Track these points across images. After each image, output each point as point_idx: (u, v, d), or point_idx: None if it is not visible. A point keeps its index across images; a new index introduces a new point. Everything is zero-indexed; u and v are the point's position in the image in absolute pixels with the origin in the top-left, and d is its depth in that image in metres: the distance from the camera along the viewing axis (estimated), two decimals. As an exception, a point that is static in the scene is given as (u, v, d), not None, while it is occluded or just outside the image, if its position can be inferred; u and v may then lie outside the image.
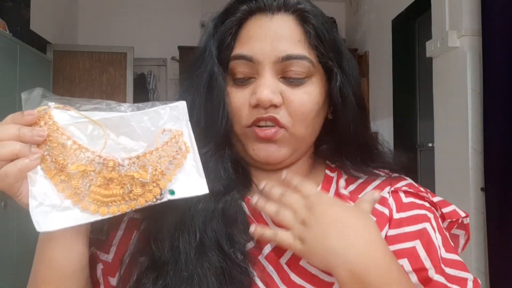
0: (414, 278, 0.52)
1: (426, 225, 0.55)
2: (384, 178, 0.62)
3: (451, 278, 0.53)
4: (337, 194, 0.60)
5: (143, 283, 0.50)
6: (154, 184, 0.47)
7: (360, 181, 0.62)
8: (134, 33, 3.80)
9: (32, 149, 0.44)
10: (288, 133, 0.56)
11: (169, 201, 0.48)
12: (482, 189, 1.85)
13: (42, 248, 0.49)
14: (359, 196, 0.59)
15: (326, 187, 0.61)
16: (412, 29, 2.89)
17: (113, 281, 0.55)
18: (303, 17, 0.57)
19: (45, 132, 0.44)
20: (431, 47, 2.16)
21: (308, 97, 0.56)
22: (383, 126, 3.12)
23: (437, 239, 0.55)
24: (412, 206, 0.58)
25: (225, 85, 0.57)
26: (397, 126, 2.91)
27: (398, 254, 0.53)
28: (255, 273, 0.52)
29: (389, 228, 0.56)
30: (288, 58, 0.55)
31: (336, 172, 0.63)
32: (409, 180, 0.63)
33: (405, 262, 0.53)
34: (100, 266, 0.56)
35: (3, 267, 2.28)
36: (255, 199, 0.53)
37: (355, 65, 0.61)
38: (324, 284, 0.53)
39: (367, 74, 3.40)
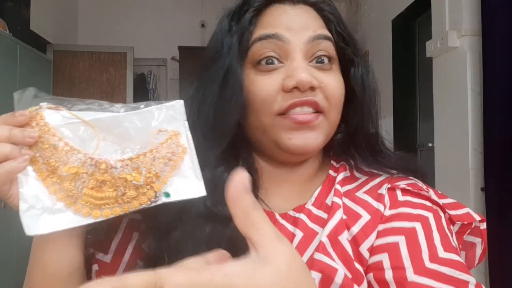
0: (389, 275, 0.49)
1: (417, 224, 0.52)
2: (384, 177, 0.60)
3: (445, 278, 0.48)
4: (336, 194, 0.59)
5: None
6: (149, 187, 0.45)
7: (359, 181, 0.60)
8: (134, 33, 3.80)
9: (22, 151, 0.43)
10: (325, 119, 0.54)
11: (174, 215, 0.47)
12: (482, 189, 1.85)
13: (36, 251, 0.48)
14: (356, 194, 0.58)
15: (326, 188, 0.60)
16: (412, 29, 2.89)
17: None
18: (322, 8, 0.58)
19: (36, 133, 0.43)
20: (431, 47, 2.16)
21: (338, 81, 0.56)
22: (383, 126, 3.11)
23: (434, 238, 0.52)
24: (406, 204, 0.55)
25: (242, 76, 0.54)
26: (397, 126, 2.91)
27: (380, 249, 0.51)
28: None
29: (380, 223, 0.54)
30: (318, 37, 0.54)
31: (338, 172, 0.62)
32: (413, 180, 0.61)
33: (384, 257, 0.50)
34: (95, 268, 0.55)
35: (3, 267, 2.28)
36: None
37: (367, 61, 0.62)
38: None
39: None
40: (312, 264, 0.52)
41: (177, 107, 0.46)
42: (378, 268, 0.50)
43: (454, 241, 0.54)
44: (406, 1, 2.71)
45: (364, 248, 0.52)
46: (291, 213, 0.57)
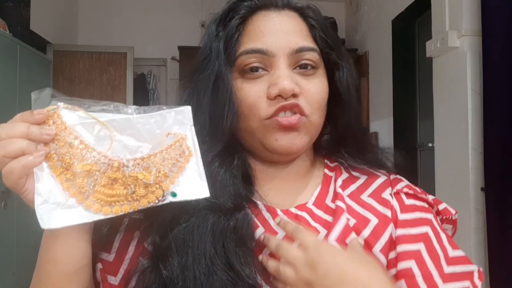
0: (421, 281, 0.53)
1: (427, 229, 0.57)
2: (383, 179, 0.63)
3: (460, 276, 0.54)
4: (335, 193, 0.61)
5: None
6: (157, 186, 0.47)
7: (360, 181, 0.63)
8: (134, 33, 3.80)
9: (39, 147, 0.45)
10: (308, 121, 0.57)
11: (176, 213, 0.49)
12: (482, 189, 1.85)
13: (47, 246, 0.49)
14: (361, 197, 0.60)
15: (325, 188, 0.62)
16: (412, 29, 2.89)
17: (114, 280, 0.55)
18: (306, 14, 0.60)
19: (53, 131, 0.45)
20: (431, 47, 2.16)
21: (321, 86, 0.58)
22: (383, 126, 3.12)
23: (442, 238, 0.57)
24: (414, 208, 0.59)
25: (232, 82, 0.57)
26: (397, 126, 2.91)
27: (406, 255, 0.54)
28: (264, 285, 0.52)
29: (396, 228, 0.57)
30: (301, 50, 0.57)
31: (334, 172, 0.64)
32: (406, 182, 0.64)
33: (413, 264, 0.54)
34: (99, 266, 0.56)
35: (3, 267, 2.28)
36: (263, 256, 0.54)
37: (351, 61, 0.65)
38: None
39: (367, 74, 3.40)
40: None
41: (186, 112, 0.49)
42: (408, 275, 0.53)
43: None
44: (406, 1, 2.71)
45: (377, 250, 0.56)
46: (293, 210, 0.59)
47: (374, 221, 0.58)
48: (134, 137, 0.47)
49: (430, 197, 0.62)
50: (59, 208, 0.45)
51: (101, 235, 0.55)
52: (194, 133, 0.50)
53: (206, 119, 0.56)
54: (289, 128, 0.56)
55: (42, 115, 0.45)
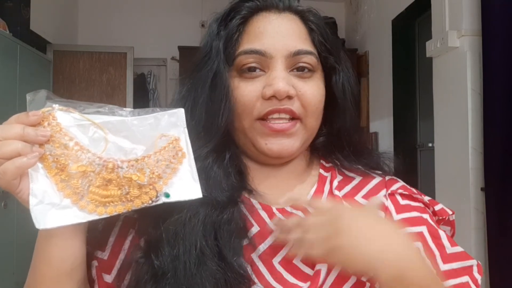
0: None
1: (423, 228, 0.58)
2: (378, 180, 0.64)
3: (458, 272, 0.55)
4: (331, 194, 0.61)
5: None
6: (151, 187, 0.48)
7: (354, 182, 0.63)
8: (134, 33, 3.79)
9: (34, 148, 0.45)
10: (302, 126, 0.58)
11: (169, 207, 0.50)
12: (482, 189, 1.85)
13: (41, 245, 0.50)
14: (355, 198, 0.61)
15: (320, 188, 0.63)
16: (412, 29, 2.89)
17: (108, 278, 0.55)
18: (305, 17, 0.61)
19: (48, 132, 0.45)
20: (431, 47, 2.16)
21: (316, 89, 0.59)
22: (383, 126, 3.12)
23: (441, 236, 0.58)
24: (409, 208, 0.60)
25: (229, 80, 0.58)
26: (397, 126, 2.91)
27: None
28: (256, 280, 0.52)
29: None
30: (299, 53, 0.57)
31: (330, 172, 0.65)
32: (402, 182, 0.65)
33: None
34: (94, 264, 0.56)
35: (3, 267, 2.28)
36: (276, 234, 0.55)
37: (350, 64, 0.65)
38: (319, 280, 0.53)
39: (367, 74, 3.40)
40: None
41: (179, 114, 0.50)
42: None
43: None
44: (406, 1, 2.71)
45: None
46: (288, 209, 0.59)
47: None
48: (129, 139, 0.48)
49: (426, 198, 0.63)
50: (54, 208, 0.45)
51: (96, 233, 0.56)
52: (187, 135, 0.50)
53: (202, 115, 0.57)
54: (280, 133, 0.56)
55: (37, 116, 0.46)
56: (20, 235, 2.38)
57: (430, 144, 2.53)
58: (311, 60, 0.58)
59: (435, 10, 2.21)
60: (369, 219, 0.51)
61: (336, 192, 0.61)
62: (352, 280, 0.54)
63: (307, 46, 0.59)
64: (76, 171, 0.46)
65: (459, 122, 1.97)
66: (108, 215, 0.47)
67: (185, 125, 0.50)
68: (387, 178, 0.64)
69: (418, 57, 2.84)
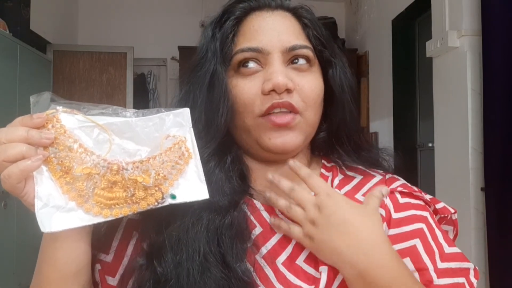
0: (417, 277, 0.54)
1: (423, 225, 0.57)
2: (379, 179, 0.64)
3: (455, 272, 0.55)
4: None
5: None
6: (156, 188, 0.48)
7: (355, 181, 0.63)
8: (134, 33, 3.79)
9: (38, 151, 0.45)
10: (303, 119, 0.58)
11: (172, 211, 0.50)
12: (482, 189, 1.85)
13: (46, 248, 0.50)
14: (355, 196, 0.61)
15: None
16: (412, 29, 2.89)
17: (112, 281, 0.55)
18: (298, 13, 0.62)
19: (52, 134, 0.45)
20: (431, 47, 2.16)
21: (314, 83, 0.59)
22: (383, 126, 3.12)
23: (438, 235, 0.58)
24: (408, 206, 0.60)
25: (227, 80, 0.58)
26: (397, 126, 2.91)
27: (400, 254, 0.54)
28: (259, 282, 0.52)
29: (389, 228, 0.57)
30: (294, 47, 0.58)
31: (331, 172, 0.64)
32: (402, 181, 0.64)
33: (407, 261, 0.55)
34: (97, 267, 0.56)
35: (3, 267, 2.29)
36: (267, 193, 0.56)
37: (345, 60, 0.65)
38: (320, 281, 0.53)
39: (367, 74, 3.40)
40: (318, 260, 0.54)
41: (184, 114, 0.50)
42: None
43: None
44: (406, 1, 2.71)
45: None
46: None
47: None
48: (133, 140, 0.48)
49: (428, 196, 0.63)
50: (59, 211, 0.45)
51: (99, 236, 0.56)
52: (193, 135, 0.50)
53: (202, 116, 0.57)
54: (283, 127, 0.57)
55: (42, 119, 0.46)
56: (20, 235, 2.38)
57: (430, 144, 2.53)
58: (306, 53, 0.59)
59: (435, 10, 2.21)
60: (353, 213, 0.52)
61: (337, 191, 0.60)
62: None
63: (302, 40, 0.59)
64: (81, 173, 0.46)
65: (459, 122, 1.97)
66: (113, 218, 0.47)
67: (190, 125, 0.50)
68: (387, 176, 0.64)
69: (418, 57, 2.85)
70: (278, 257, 0.55)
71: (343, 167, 0.65)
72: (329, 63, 0.62)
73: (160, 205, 0.48)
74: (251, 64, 0.58)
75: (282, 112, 0.56)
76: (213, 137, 0.56)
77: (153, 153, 0.48)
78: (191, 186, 0.49)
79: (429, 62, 2.29)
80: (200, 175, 0.49)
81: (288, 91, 0.56)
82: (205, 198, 0.49)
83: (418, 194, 0.62)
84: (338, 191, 0.61)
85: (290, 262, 0.55)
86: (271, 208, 0.59)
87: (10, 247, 2.35)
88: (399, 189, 0.61)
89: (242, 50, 0.58)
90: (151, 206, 0.47)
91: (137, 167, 0.47)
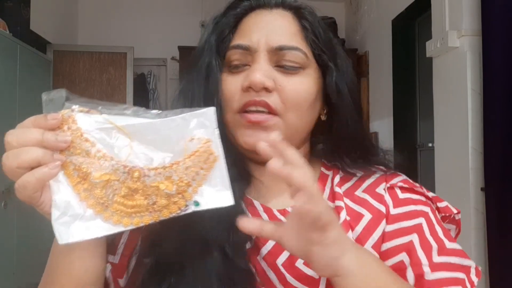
0: (410, 272, 0.54)
1: (422, 220, 0.57)
2: (379, 175, 0.63)
3: (454, 267, 0.54)
4: (332, 192, 0.61)
5: (148, 286, 0.50)
6: (180, 196, 0.45)
7: (355, 178, 0.63)
8: (134, 33, 3.79)
9: (55, 155, 0.42)
10: (282, 121, 0.56)
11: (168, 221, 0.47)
12: (482, 189, 1.85)
13: (61, 259, 0.48)
14: (355, 193, 0.60)
15: (321, 185, 0.62)
16: (412, 29, 2.89)
17: (121, 282, 0.55)
18: (300, 14, 0.60)
19: (69, 137, 0.42)
20: (431, 47, 2.16)
21: (301, 85, 0.57)
22: (383, 126, 3.12)
23: (437, 231, 0.57)
24: (408, 201, 0.59)
25: (220, 74, 0.58)
26: (397, 126, 2.91)
27: (397, 249, 0.55)
28: (258, 279, 0.52)
29: (387, 223, 0.57)
30: (282, 48, 0.57)
31: (332, 171, 0.64)
32: (404, 176, 0.64)
33: (404, 257, 0.54)
34: (109, 267, 0.55)
35: (3, 267, 2.28)
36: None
37: (350, 64, 0.63)
38: (319, 285, 0.53)
39: (367, 74, 3.40)
40: None
41: (209, 114, 0.46)
42: (401, 268, 0.54)
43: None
44: (406, 1, 2.71)
45: (368, 246, 0.56)
46: (289, 209, 0.58)
47: (367, 216, 0.57)
48: (155, 144, 0.45)
49: (431, 194, 0.62)
50: (78, 220, 0.42)
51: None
52: (218, 136, 0.46)
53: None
54: (257, 125, 0.55)
55: (57, 120, 0.42)
56: (20, 235, 2.38)
57: (430, 144, 2.53)
58: (296, 56, 0.57)
59: (435, 10, 2.21)
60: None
61: (337, 189, 0.60)
62: None
63: (294, 42, 0.58)
64: (100, 180, 0.43)
65: (459, 122, 1.97)
66: (134, 227, 0.44)
67: (216, 125, 0.46)
68: (388, 172, 0.63)
69: (418, 57, 2.84)
70: (278, 258, 0.54)
71: (345, 166, 0.63)
72: (327, 67, 0.60)
73: (183, 213, 0.45)
74: (239, 61, 0.58)
75: (259, 111, 0.55)
76: None
77: (176, 158, 0.45)
78: (216, 193, 0.46)
79: (429, 62, 2.28)
80: (225, 180, 0.46)
81: (267, 90, 0.55)
82: (230, 204, 0.46)
83: (419, 189, 0.61)
84: (339, 188, 0.60)
85: (290, 264, 0.54)
86: (269, 209, 0.59)
87: (10, 247, 2.35)
88: (400, 184, 0.61)
89: (233, 47, 0.58)
90: (173, 214, 0.45)
91: (160, 173, 0.44)
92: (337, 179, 0.62)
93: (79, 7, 3.92)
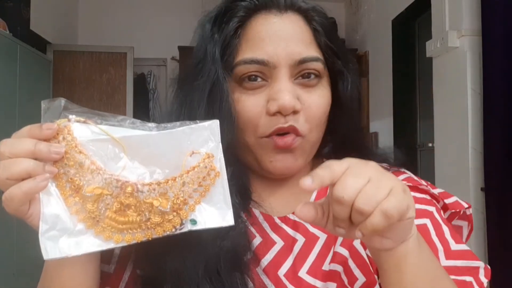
0: None
1: (427, 221, 0.55)
2: None
3: (462, 270, 0.53)
4: None
5: None
6: (175, 213, 0.43)
7: None
8: (134, 33, 3.79)
9: (46, 167, 0.40)
10: (305, 141, 0.54)
11: (170, 245, 0.45)
12: (482, 189, 1.85)
13: (53, 273, 0.47)
14: None
15: (323, 190, 0.60)
16: (412, 29, 2.89)
17: None
18: (311, 17, 0.56)
19: (62, 149, 0.41)
20: (431, 47, 2.16)
21: (322, 100, 0.55)
22: (383, 126, 3.11)
23: (444, 231, 0.55)
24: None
25: (230, 94, 0.53)
26: (397, 126, 2.91)
27: None
28: None
29: None
30: (305, 60, 0.53)
31: None
32: (409, 174, 0.62)
33: None
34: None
35: (3, 268, 2.28)
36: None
37: (355, 66, 0.61)
38: None
39: (367, 74, 3.40)
40: (327, 274, 0.52)
41: (213, 127, 0.44)
42: None
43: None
44: (406, 1, 2.71)
45: None
46: (291, 216, 0.57)
47: None
48: (151, 158, 0.43)
49: (437, 191, 0.60)
50: (67, 234, 0.41)
51: None
52: (221, 150, 0.44)
53: None
54: (284, 149, 0.53)
55: (52, 130, 0.40)
56: (20, 236, 2.38)
57: (430, 144, 2.53)
58: (317, 66, 0.54)
59: (435, 10, 2.21)
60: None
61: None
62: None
63: (313, 51, 0.54)
64: (92, 193, 0.41)
65: (459, 122, 1.97)
66: (126, 244, 0.42)
67: (219, 140, 0.44)
68: (391, 170, 0.61)
69: (418, 57, 2.84)
70: (280, 269, 0.53)
71: None
72: (340, 74, 0.57)
73: (178, 231, 0.43)
74: (254, 79, 0.53)
75: (286, 133, 0.53)
76: None
77: (173, 173, 0.43)
78: (215, 211, 0.44)
79: (429, 62, 2.28)
80: (226, 198, 0.44)
81: (295, 112, 0.52)
82: (229, 224, 0.44)
83: (424, 187, 0.59)
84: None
85: (293, 274, 0.52)
86: (269, 217, 0.57)
87: (10, 247, 2.34)
88: (403, 182, 0.59)
89: (245, 62, 0.52)
90: (167, 232, 0.43)
91: (154, 190, 0.43)
92: None
93: (79, 7, 3.92)
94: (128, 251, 0.53)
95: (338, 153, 0.61)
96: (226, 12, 0.55)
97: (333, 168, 0.38)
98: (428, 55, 2.21)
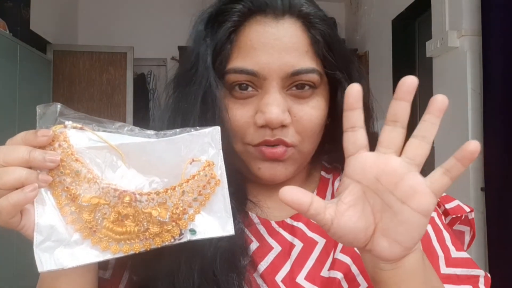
0: None
1: (428, 226, 0.53)
2: None
3: (461, 279, 0.51)
4: (333, 196, 0.58)
5: None
6: (174, 224, 0.42)
7: None
8: (134, 33, 3.79)
9: (40, 176, 0.39)
10: (296, 151, 0.53)
11: (166, 247, 0.44)
12: (482, 189, 1.85)
13: (50, 284, 0.45)
14: None
15: (322, 190, 0.60)
16: (412, 29, 2.89)
17: None
18: (310, 23, 0.52)
19: (58, 157, 0.39)
20: (431, 47, 2.16)
21: (315, 112, 0.53)
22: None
23: (445, 237, 0.54)
24: None
25: (221, 101, 0.51)
26: (397, 126, 2.91)
27: None
28: None
29: None
30: (298, 73, 0.50)
31: (331, 174, 0.62)
32: None
33: None
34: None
35: (3, 268, 2.28)
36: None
37: (362, 70, 0.58)
38: None
39: (367, 74, 3.40)
40: (326, 281, 0.51)
41: (214, 133, 0.43)
42: None
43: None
44: (406, 1, 2.70)
45: None
46: (288, 221, 0.56)
47: None
48: (149, 166, 0.42)
49: None
50: (62, 245, 0.40)
51: None
52: (222, 158, 0.43)
53: None
54: (273, 159, 0.52)
55: (48, 137, 0.39)
56: (20, 236, 2.37)
57: (430, 144, 2.53)
58: (312, 77, 0.51)
59: (435, 10, 2.21)
60: None
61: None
62: None
63: (308, 62, 0.51)
64: (88, 203, 0.40)
65: (459, 122, 1.97)
66: (124, 254, 0.41)
67: (220, 147, 0.43)
68: None
69: (418, 57, 2.84)
70: (277, 274, 0.52)
71: None
72: (339, 82, 0.54)
73: (177, 242, 0.42)
74: (244, 88, 0.51)
75: (274, 146, 0.51)
76: None
77: (172, 182, 0.42)
78: (215, 221, 0.43)
79: (429, 62, 2.28)
80: (226, 207, 0.43)
81: (283, 126, 0.50)
82: (229, 234, 0.42)
83: None
84: None
85: (290, 279, 0.51)
86: (266, 221, 0.56)
87: (10, 247, 2.34)
88: None
89: (235, 71, 0.50)
90: (166, 243, 0.42)
91: (153, 199, 0.41)
92: (337, 182, 0.59)
93: (79, 7, 3.92)
94: (123, 262, 0.52)
95: (339, 158, 0.60)
96: (218, 14, 0.53)
97: None
98: (428, 55, 2.21)
